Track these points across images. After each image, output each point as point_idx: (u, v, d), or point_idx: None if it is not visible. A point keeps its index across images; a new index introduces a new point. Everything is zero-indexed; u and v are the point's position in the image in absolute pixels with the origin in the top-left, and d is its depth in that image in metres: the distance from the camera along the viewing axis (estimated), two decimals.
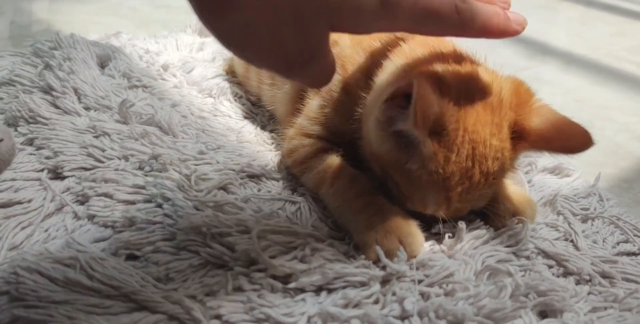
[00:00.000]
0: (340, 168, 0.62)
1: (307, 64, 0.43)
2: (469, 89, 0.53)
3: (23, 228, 0.56)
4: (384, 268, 0.52)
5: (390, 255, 0.53)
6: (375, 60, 0.62)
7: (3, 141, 0.50)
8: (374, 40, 0.65)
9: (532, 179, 0.72)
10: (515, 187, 0.65)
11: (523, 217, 0.60)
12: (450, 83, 0.53)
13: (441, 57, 0.57)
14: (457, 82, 0.54)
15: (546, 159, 0.76)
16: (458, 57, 0.58)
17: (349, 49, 0.66)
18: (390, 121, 0.53)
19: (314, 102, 0.67)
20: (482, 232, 0.59)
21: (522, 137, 0.54)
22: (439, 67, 0.55)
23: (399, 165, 0.55)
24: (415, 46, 0.60)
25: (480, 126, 0.52)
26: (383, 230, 0.54)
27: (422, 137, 0.51)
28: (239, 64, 0.89)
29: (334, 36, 0.65)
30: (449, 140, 0.52)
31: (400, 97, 0.51)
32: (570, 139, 0.53)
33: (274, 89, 0.78)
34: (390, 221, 0.55)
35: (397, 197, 0.58)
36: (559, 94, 1.09)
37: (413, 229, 0.56)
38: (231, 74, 0.94)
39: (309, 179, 0.64)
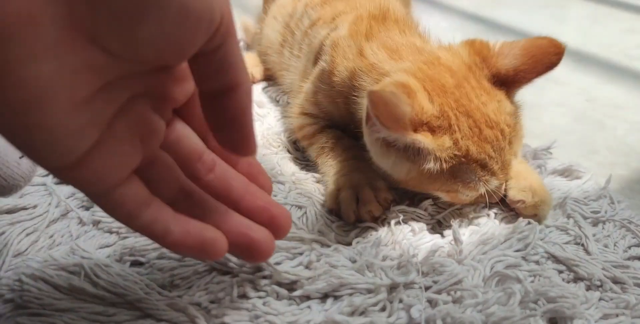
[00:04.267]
0: (338, 139, 0.68)
1: None
2: (435, 76, 0.56)
3: (28, 234, 0.56)
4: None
5: (364, 203, 0.59)
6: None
7: (24, 157, 0.50)
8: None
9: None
10: (535, 174, 0.65)
11: (541, 198, 0.61)
12: (417, 82, 0.55)
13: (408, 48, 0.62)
14: (423, 78, 0.56)
15: (556, 161, 0.75)
16: (413, 45, 0.62)
17: (344, 40, 0.67)
18: (384, 140, 0.55)
19: (308, 86, 0.72)
20: (491, 236, 0.58)
21: (507, 82, 0.57)
22: (408, 71, 0.58)
23: (424, 175, 0.56)
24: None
25: (464, 98, 0.55)
26: (360, 186, 0.60)
27: (409, 136, 0.52)
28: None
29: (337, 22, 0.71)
30: (440, 125, 0.54)
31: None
32: (543, 57, 0.56)
33: (299, 60, 0.81)
34: (368, 179, 0.61)
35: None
36: (569, 94, 1.07)
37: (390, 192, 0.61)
38: None
39: (313, 150, 0.69)
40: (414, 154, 0.55)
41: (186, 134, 0.42)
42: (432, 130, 0.54)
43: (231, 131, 0.38)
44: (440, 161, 0.54)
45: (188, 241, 0.38)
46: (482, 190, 0.57)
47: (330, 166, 0.66)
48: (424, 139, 0.53)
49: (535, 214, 0.61)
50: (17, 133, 0.30)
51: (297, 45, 0.81)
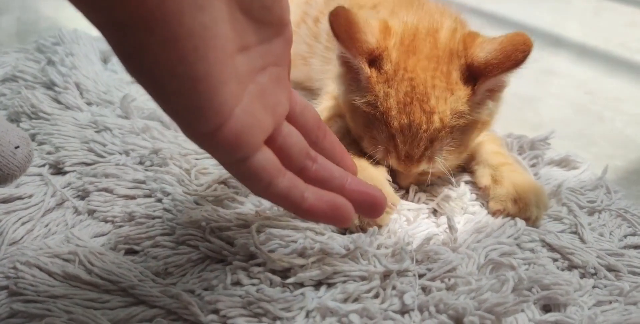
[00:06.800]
0: (344, 133, 0.66)
1: None
2: (418, 41, 0.58)
3: (23, 223, 0.56)
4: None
5: None
6: None
7: (19, 147, 0.50)
8: None
9: (539, 172, 0.71)
10: (528, 176, 0.65)
11: (525, 202, 0.60)
12: (399, 31, 0.59)
13: (417, 16, 0.62)
14: (408, 34, 0.59)
15: (553, 151, 0.75)
16: (434, 18, 0.63)
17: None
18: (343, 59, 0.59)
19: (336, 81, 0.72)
20: (485, 224, 0.58)
21: (478, 75, 0.56)
22: (398, 24, 0.60)
23: (351, 106, 0.60)
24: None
25: (420, 70, 0.56)
26: None
27: (360, 61, 0.56)
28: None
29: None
30: (387, 75, 0.57)
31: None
32: (512, 53, 0.55)
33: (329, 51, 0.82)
34: (367, 177, 0.58)
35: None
36: (570, 86, 1.07)
37: (387, 189, 0.59)
38: None
39: None
40: (354, 82, 0.59)
41: (309, 106, 0.45)
42: (379, 72, 0.57)
43: None
44: (364, 103, 0.58)
45: (322, 207, 0.42)
46: (379, 156, 0.59)
47: None
48: (369, 72, 0.57)
49: (527, 218, 0.60)
50: (185, 88, 0.32)
51: (327, 36, 0.81)
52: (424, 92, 0.56)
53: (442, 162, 0.59)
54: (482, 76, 0.56)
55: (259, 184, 0.39)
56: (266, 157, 0.38)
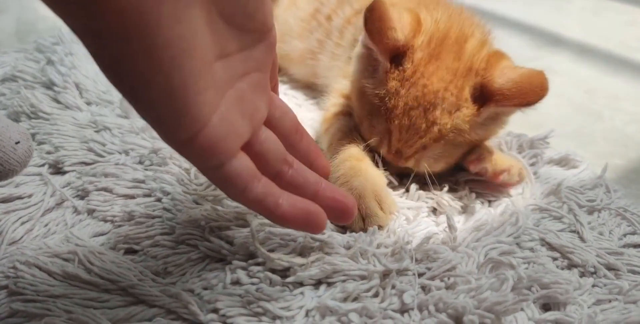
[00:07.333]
0: (346, 131, 0.66)
1: None
2: (444, 47, 0.58)
3: (23, 223, 0.56)
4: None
5: (367, 215, 0.56)
6: None
7: (20, 143, 0.50)
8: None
9: (538, 171, 0.71)
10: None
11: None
12: (429, 30, 0.59)
13: (450, 18, 0.62)
14: (437, 36, 0.59)
15: (552, 150, 0.75)
16: (465, 25, 0.63)
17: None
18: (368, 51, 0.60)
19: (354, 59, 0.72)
20: (484, 222, 0.59)
21: (488, 98, 0.57)
22: (430, 22, 0.60)
23: (361, 89, 0.61)
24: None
25: (436, 79, 0.57)
26: (358, 190, 0.57)
27: (382, 56, 0.57)
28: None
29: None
30: (404, 74, 0.58)
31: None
32: (524, 92, 0.55)
33: (339, 48, 0.82)
34: (366, 182, 0.58)
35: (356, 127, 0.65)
36: (569, 85, 1.07)
37: (385, 192, 0.59)
38: None
39: (323, 139, 0.69)
40: (371, 69, 0.60)
41: (289, 111, 0.46)
42: (397, 68, 0.58)
43: None
44: (374, 93, 0.59)
45: (295, 214, 0.42)
46: (373, 143, 0.61)
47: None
48: (388, 68, 0.58)
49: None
50: (161, 97, 0.32)
51: (338, 33, 0.82)
52: (432, 102, 0.57)
53: (427, 166, 0.60)
54: (491, 102, 0.56)
55: (234, 190, 0.39)
56: (241, 164, 0.38)
